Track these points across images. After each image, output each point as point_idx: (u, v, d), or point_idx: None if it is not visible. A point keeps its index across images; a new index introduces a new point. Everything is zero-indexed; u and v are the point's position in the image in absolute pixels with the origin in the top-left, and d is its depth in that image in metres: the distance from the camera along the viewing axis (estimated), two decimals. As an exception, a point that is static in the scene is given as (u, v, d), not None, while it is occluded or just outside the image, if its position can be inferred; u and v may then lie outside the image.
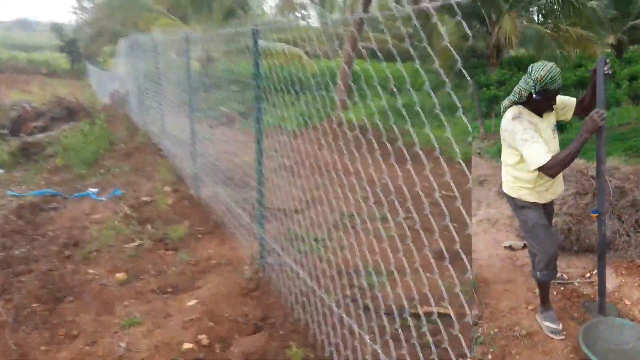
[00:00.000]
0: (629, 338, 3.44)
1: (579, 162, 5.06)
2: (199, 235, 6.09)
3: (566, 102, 3.70)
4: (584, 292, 4.24)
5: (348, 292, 3.73)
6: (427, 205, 2.45)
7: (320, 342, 3.64)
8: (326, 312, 3.64)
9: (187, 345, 3.75)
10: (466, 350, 2.36)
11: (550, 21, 15.84)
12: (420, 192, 2.49)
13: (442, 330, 2.68)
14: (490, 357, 3.67)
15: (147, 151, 10.97)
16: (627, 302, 4.03)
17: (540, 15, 17.62)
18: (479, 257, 4.99)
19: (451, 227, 2.23)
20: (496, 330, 3.90)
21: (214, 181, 6.56)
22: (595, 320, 3.67)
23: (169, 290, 4.80)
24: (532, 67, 3.41)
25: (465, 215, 2.15)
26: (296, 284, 4.09)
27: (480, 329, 3.93)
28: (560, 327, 3.74)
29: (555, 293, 4.29)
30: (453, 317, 3.30)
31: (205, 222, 6.48)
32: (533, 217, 3.63)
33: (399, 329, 2.99)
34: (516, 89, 3.49)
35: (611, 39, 20.49)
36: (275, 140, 5.11)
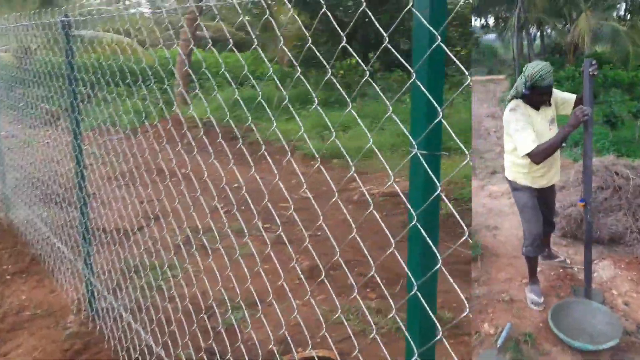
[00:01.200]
0: (600, 322, 3.64)
1: (609, 158, 5.44)
2: (8, 277, 4.78)
3: (566, 98, 4.01)
4: (580, 277, 4.37)
5: (202, 345, 2.85)
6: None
7: None
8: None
9: None
10: None
11: (636, 18, 15.88)
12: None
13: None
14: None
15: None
16: (614, 292, 4.25)
17: (628, 13, 17.64)
18: (501, 234, 5.27)
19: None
20: (484, 292, 4.20)
21: (29, 201, 5.25)
22: (574, 300, 3.95)
23: (-37, 363, 3.57)
24: (526, 66, 3.69)
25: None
26: (136, 342, 3.10)
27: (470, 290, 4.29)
28: (542, 300, 3.99)
29: (552, 273, 4.49)
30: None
31: (17, 257, 5.14)
32: (523, 199, 3.99)
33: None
34: (515, 85, 3.78)
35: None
36: (101, 146, 4.06)
